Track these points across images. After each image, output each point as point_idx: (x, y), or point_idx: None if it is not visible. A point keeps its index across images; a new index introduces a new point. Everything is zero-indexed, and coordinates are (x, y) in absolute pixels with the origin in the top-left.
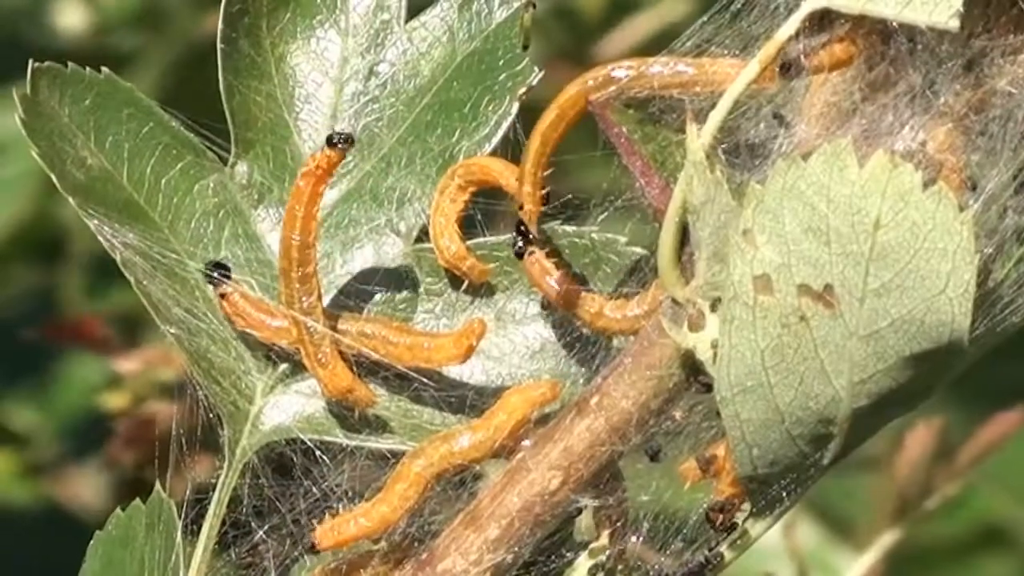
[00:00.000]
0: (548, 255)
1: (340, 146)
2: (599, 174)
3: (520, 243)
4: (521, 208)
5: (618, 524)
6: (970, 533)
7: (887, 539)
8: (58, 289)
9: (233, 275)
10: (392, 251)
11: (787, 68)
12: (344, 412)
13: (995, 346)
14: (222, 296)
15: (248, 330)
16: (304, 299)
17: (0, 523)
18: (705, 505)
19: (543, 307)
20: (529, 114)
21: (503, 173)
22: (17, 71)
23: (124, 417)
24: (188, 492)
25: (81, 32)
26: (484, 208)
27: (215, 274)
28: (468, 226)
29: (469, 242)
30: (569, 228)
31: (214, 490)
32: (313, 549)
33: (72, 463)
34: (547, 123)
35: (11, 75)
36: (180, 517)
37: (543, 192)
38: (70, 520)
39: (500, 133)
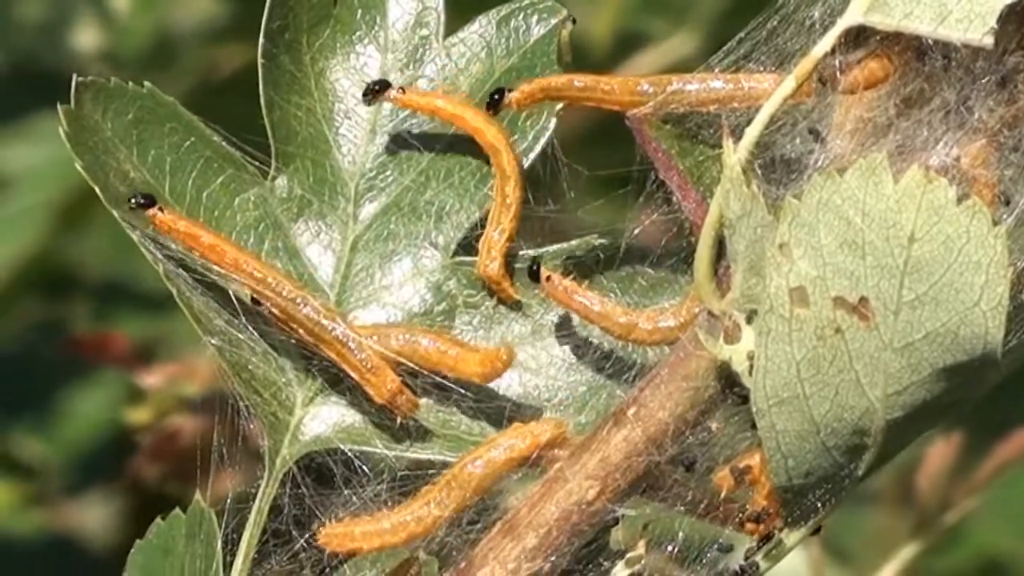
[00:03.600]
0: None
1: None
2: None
3: (535, 267)
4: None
5: (655, 533)
6: (972, 567)
7: (907, 552)
8: (65, 324)
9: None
10: (431, 264)
11: (824, 82)
12: (383, 423)
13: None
14: (153, 217)
15: (187, 245)
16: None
17: (6, 554)
18: (741, 515)
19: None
20: (566, 133)
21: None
22: (33, 103)
23: (147, 432)
24: (229, 501)
25: (97, 58)
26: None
27: (142, 201)
28: None
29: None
30: (605, 242)
31: (254, 500)
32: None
33: (78, 495)
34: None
35: (25, 106)
36: (220, 526)
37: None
38: (76, 551)
39: (538, 148)
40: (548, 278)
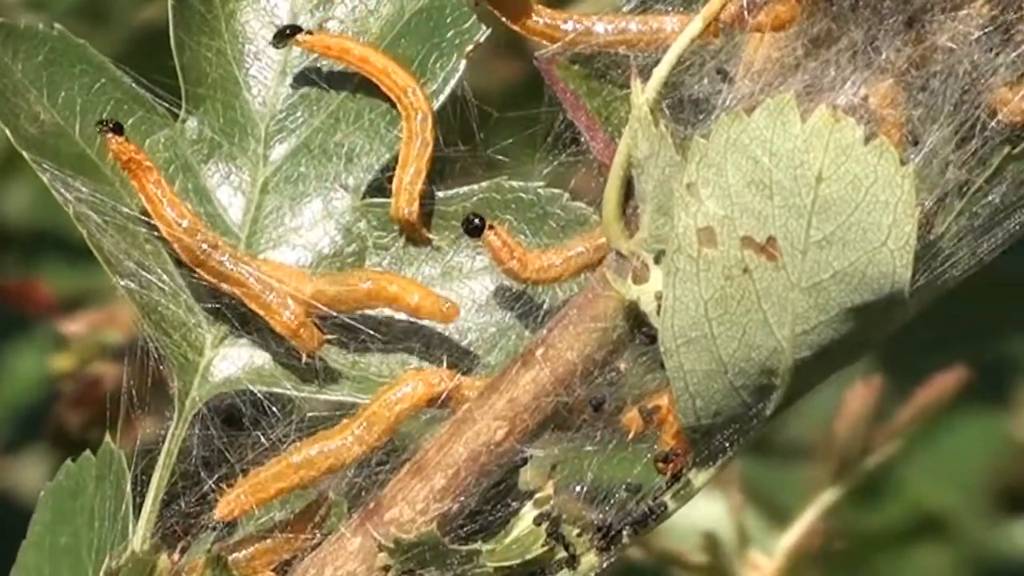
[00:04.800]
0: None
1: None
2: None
3: (477, 221)
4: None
5: (563, 473)
6: (904, 523)
7: (827, 497)
8: None
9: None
10: (341, 205)
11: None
12: (293, 364)
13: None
14: (115, 144)
15: (132, 179)
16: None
17: None
18: (650, 455)
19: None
20: (476, 71)
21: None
22: None
23: (70, 379)
24: (138, 443)
25: (25, 10)
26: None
27: (111, 126)
28: None
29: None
30: (515, 183)
31: (164, 441)
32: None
33: (15, 452)
34: None
35: None
36: (130, 468)
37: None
38: (13, 508)
39: (447, 90)
40: (491, 227)
